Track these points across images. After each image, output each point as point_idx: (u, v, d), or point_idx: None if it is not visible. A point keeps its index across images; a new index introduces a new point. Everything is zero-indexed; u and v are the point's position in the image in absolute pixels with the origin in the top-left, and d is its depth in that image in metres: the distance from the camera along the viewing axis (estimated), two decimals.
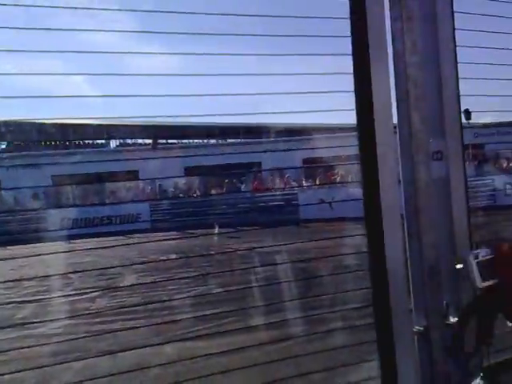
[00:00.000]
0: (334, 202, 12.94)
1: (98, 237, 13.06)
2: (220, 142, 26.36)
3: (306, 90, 1.93)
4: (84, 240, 12.32)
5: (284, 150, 21.50)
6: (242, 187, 19.21)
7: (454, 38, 1.33)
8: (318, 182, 17.33)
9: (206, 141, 26.92)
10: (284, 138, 20.64)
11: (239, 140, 25.90)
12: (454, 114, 1.30)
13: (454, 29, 1.34)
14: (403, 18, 1.28)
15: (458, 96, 1.32)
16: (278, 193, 17.51)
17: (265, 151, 21.81)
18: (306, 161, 20.43)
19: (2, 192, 17.10)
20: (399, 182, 1.29)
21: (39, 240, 12.06)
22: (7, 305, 6.59)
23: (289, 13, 1.64)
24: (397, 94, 1.28)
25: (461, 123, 1.32)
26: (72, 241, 11.60)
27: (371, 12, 1.24)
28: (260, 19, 1.68)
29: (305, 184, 18.31)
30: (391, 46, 1.29)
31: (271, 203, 16.35)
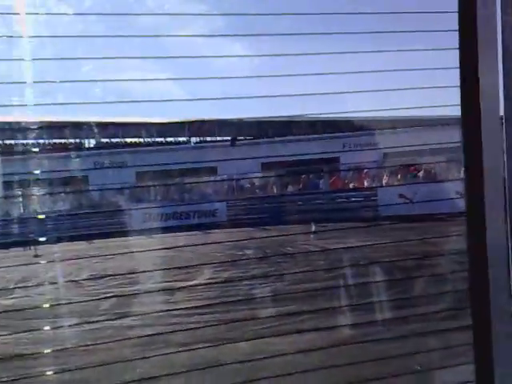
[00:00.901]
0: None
1: (177, 231, 13.50)
2: (298, 137, 26.26)
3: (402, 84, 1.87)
4: (163, 234, 12.81)
5: (364, 145, 20.95)
6: (320, 183, 19.00)
7: None
8: (398, 178, 16.76)
9: (283, 137, 26.94)
10: (363, 132, 20.13)
11: (318, 135, 25.65)
12: None
13: None
14: None
15: None
16: (356, 189, 17.15)
17: (343, 146, 21.45)
18: (386, 155, 19.80)
19: (89, 188, 18.14)
20: (503, 179, 1.22)
21: (123, 234, 12.70)
22: (93, 296, 6.95)
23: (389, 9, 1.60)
24: (504, 91, 1.19)
25: None
26: (152, 235, 12.04)
27: (481, 6, 1.15)
28: (358, 16, 1.63)
29: (385, 179, 17.76)
30: (500, 41, 1.20)
31: (349, 199, 16.03)
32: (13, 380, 3.57)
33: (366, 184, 18.10)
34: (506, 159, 1.20)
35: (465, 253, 1.21)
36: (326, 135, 23.52)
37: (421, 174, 16.89)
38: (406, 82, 1.96)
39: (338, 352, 3.37)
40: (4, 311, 5.81)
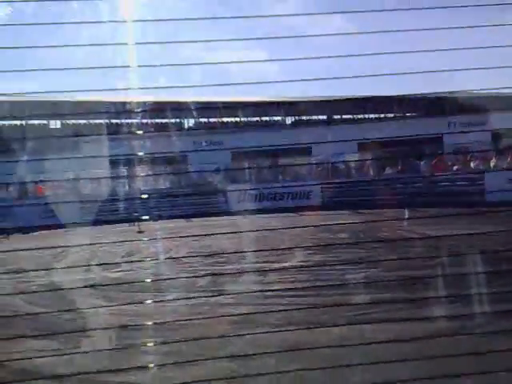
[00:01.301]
0: None
1: (271, 212, 13.66)
2: (397, 115, 25.22)
3: None
4: (257, 215, 12.98)
5: (469, 125, 19.55)
6: (421, 165, 18.13)
7: None
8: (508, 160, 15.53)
9: (381, 115, 26.03)
10: (467, 112, 18.82)
11: (419, 113, 24.45)
12: None
13: None
14: None
15: None
16: (460, 172, 16.14)
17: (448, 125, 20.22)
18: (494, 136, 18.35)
19: (189, 167, 18.82)
20: None
21: (218, 214, 13.09)
22: (190, 273, 7.26)
23: None
24: None
25: None
26: (246, 215, 12.28)
27: None
28: None
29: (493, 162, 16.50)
30: None
31: (452, 183, 15.15)
32: (117, 349, 3.85)
33: (472, 167, 16.97)
34: None
35: None
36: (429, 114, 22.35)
37: None
38: None
39: (430, 344, 3.24)
40: (110, 284, 6.26)
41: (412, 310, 4.51)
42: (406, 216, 11.70)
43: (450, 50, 1.84)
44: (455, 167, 17.65)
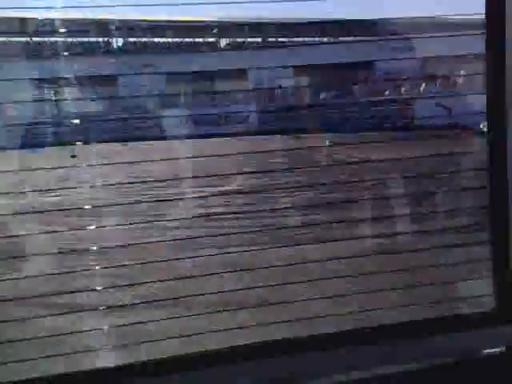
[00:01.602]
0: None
1: (208, 137, 13.54)
2: (332, 40, 25.13)
3: None
4: (194, 140, 12.85)
5: (402, 50, 19.87)
6: (354, 89, 18.42)
7: None
8: (437, 86, 16.08)
9: (317, 39, 25.82)
10: (401, 36, 19.04)
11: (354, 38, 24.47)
12: None
13: None
14: None
15: None
16: (391, 97, 16.58)
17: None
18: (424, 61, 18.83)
19: (121, 89, 17.99)
20: None
21: (151, 138, 12.82)
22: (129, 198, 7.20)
23: None
24: None
25: None
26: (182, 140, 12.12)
27: None
28: None
29: (423, 87, 17.05)
30: None
31: (384, 108, 15.57)
32: (59, 273, 3.84)
33: (403, 92, 17.49)
34: None
35: None
36: (360, 38, 22.41)
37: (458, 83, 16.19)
38: None
39: (362, 261, 3.49)
40: (48, 209, 6.11)
41: (346, 230, 4.78)
42: (339, 141, 12.06)
43: None
44: (387, 92, 18.11)
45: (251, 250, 4.19)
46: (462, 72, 15.96)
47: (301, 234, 4.92)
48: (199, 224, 5.70)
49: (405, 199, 4.91)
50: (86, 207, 4.75)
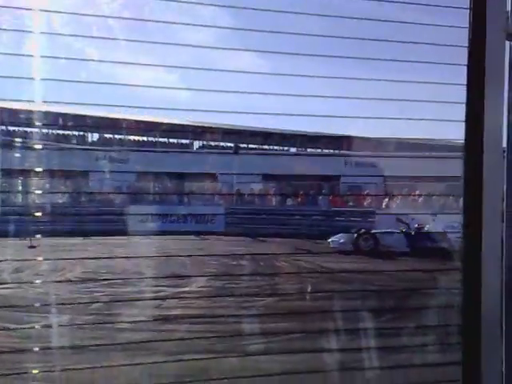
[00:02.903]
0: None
1: (174, 234, 13.51)
2: (300, 150, 26.39)
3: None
4: (159, 237, 12.80)
5: (364, 166, 21.02)
6: (319, 199, 19.04)
7: None
8: (397, 203, 16.80)
9: (286, 148, 27.08)
10: (364, 153, 20.24)
11: (319, 151, 25.80)
12: None
13: None
14: None
15: None
16: (354, 210, 17.16)
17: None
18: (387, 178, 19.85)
19: (90, 183, 18.12)
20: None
21: (115, 233, 12.69)
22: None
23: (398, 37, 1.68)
24: (507, 166, 1.26)
25: None
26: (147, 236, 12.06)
27: (489, 80, 1.22)
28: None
29: (384, 204, 17.75)
30: (506, 116, 1.27)
31: (347, 219, 16.04)
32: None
33: (365, 205, 18.15)
34: (505, 194, 1.24)
35: None
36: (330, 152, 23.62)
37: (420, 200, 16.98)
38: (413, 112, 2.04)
39: None
40: None
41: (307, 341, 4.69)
42: (296, 246, 12.36)
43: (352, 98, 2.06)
44: (350, 204, 18.77)
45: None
46: (418, 192, 16.81)
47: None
48: (153, 326, 5.49)
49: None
50: (36, 305, 4.56)
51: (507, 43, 1.24)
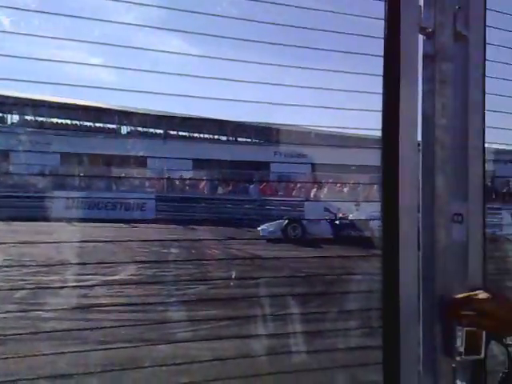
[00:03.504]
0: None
1: (102, 222, 13.14)
2: (230, 139, 26.42)
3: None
4: (86, 224, 12.42)
5: (293, 156, 21.49)
6: (249, 188, 19.22)
7: (484, 102, 1.37)
8: (325, 193, 17.33)
9: (216, 136, 26.99)
10: (294, 143, 20.68)
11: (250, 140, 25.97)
12: (478, 180, 1.34)
13: (484, 94, 1.37)
14: (436, 80, 1.32)
15: (484, 161, 1.36)
16: (283, 199, 17.50)
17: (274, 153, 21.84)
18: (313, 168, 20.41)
19: (11, 167, 17.18)
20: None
21: (40, 219, 12.19)
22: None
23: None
24: (422, 158, 1.30)
25: (484, 187, 1.35)
26: (73, 223, 11.69)
27: (404, 72, 1.25)
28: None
29: (312, 194, 18.25)
30: (421, 108, 1.30)
31: (276, 207, 16.33)
32: None
33: (293, 194, 18.55)
34: (421, 185, 1.30)
35: None
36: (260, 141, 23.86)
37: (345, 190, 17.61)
38: (335, 103, 2.13)
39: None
40: None
41: (237, 327, 4.80)
42: (221, 234, 12.52)
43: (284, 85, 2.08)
44: (279, 193, 19.12)
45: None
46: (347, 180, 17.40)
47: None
48: (80, 316, 5.37)
49: None
50: None
51: (420, 36, 1.29)
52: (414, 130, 1.27)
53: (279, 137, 21.47)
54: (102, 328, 4.87)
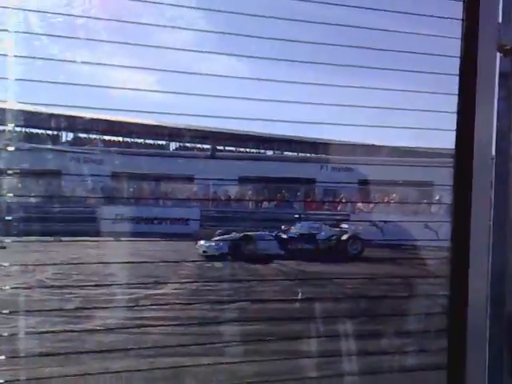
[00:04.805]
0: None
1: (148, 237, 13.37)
2: (276, 154, 26.44)
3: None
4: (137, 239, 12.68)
5: (340, 170, 21.24)
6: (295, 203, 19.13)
7: None
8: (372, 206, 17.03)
9: (262, 151, 27.10)
10: (341, 158, 20.49)
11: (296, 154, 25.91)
12: None
13: None
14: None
15: None
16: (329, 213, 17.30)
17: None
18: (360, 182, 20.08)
19: (65, 183, 17.76)
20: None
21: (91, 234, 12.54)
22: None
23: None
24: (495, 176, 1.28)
25: None
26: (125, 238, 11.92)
27: (480, 90, 1.22)
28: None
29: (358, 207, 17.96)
30: (495, 126, 1.27)
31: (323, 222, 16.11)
32: None
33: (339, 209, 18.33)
34: (493, 199, 1.26)
35: None
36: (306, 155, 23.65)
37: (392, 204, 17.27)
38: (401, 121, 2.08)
39: None
40: None
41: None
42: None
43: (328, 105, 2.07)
44: (325, 207, 18.94)
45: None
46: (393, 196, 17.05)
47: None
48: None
49: None
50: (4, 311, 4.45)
51: (498, 54, 1.26)
52: (488, 148, 1.24)
53: (325, 152, 21.32)
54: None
